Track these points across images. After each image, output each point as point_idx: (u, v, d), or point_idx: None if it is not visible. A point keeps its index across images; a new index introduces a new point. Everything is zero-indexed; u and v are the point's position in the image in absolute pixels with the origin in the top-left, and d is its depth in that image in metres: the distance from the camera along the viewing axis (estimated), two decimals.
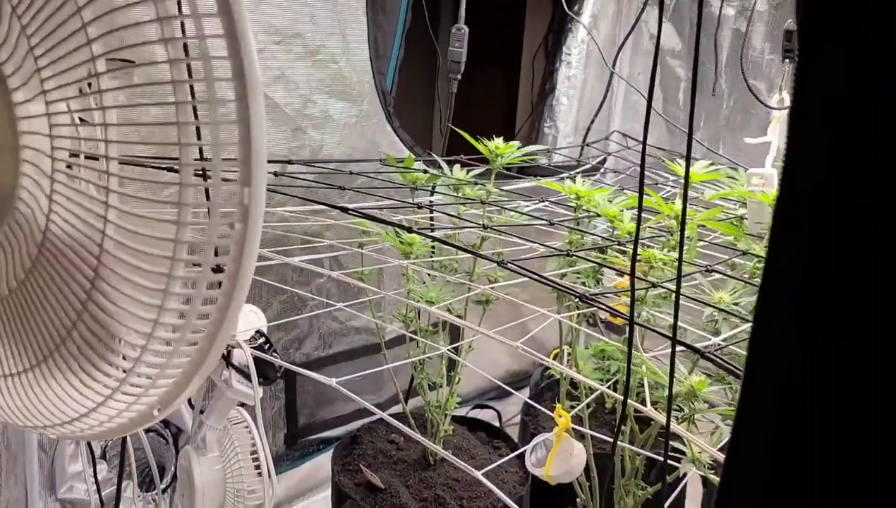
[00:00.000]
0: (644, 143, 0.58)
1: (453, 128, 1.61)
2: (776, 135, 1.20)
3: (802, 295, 0.31)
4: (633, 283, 0.61)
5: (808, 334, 0.31)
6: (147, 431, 1.39)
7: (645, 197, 1.20)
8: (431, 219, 1.48)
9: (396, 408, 1.72)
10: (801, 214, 0.31)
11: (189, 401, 1.12)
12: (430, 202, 1.45)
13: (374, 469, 1.51)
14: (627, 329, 0.75)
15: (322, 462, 1.78)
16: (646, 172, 1.94)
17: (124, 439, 1.08)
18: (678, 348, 0.64)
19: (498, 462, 0.99)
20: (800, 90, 0.30)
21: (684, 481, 1.01)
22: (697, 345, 0.73)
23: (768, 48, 1.92)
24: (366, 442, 1.61)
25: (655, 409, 0.76)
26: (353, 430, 1.66)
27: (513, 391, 1.06)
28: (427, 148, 1.89)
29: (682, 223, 0.60)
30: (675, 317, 0.61)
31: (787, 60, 1.19)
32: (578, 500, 1.24)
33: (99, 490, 1.25)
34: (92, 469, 1.21)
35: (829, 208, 0.30)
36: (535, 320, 0.99)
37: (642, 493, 1.13)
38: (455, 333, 1.66)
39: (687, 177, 0.66)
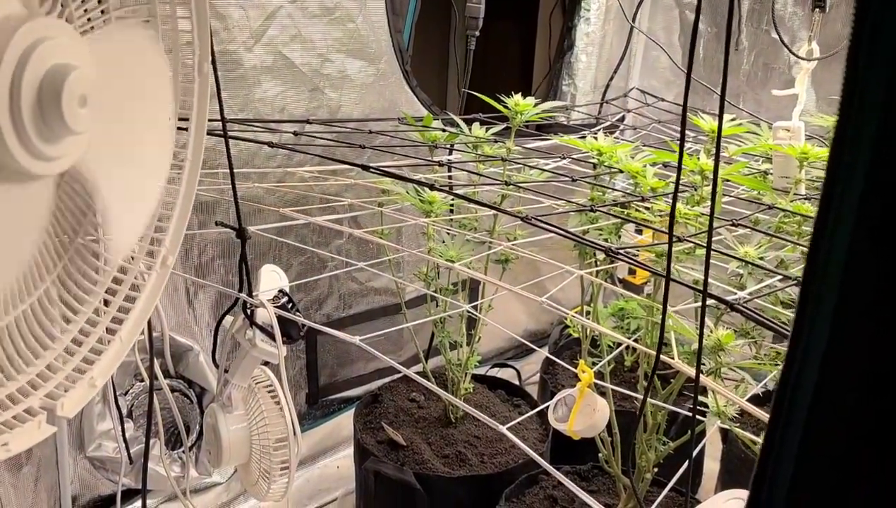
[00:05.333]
0: (685, 96, 0.57)
1: (470, 91, 1.60)
2: (804, 87, 1.18)
3: (854, 243, 0.30)
4: (671, 237, 0.61)
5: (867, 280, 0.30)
6: (172, 391, 1.41)
7: (670, 152, 1.18)
8: (450, 177, 1.47)
9: (416, 368, 1.73)
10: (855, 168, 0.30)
11: (214, 361, 1.13)
12: (449, 161, 1.44)
13: (396, 427, 1.52)
14: (656, 283, 0.74)
15: (343, 421, 1.80)
16: (666, 128, 1.91)
17: (151, 398, 1.10)
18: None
19: (520, 419, 1.00)
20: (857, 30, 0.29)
21: (705, 438, 1.02)
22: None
23: (791, 1, 1.88)
24: (387, 401, 1.63)
25: (682, 363, 0.76)
26: (374, 389, 1.68)
27: (535, 347, 1.07)
28: (442, 107, 1.87)
29: (715, 177, 0.59)
30: (706, 270, 0.60)
31: (816, 10, 1.16)
32: (600, 455, 1.25)
33: (128, 448, 1.27)
34: (121, 428, 1.23)
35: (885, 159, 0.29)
36: (553, 280, 0.99)
37: (664, 448, 1.14)
38: (474, 295, 1.66)
39: (720, 132, 0.65)
